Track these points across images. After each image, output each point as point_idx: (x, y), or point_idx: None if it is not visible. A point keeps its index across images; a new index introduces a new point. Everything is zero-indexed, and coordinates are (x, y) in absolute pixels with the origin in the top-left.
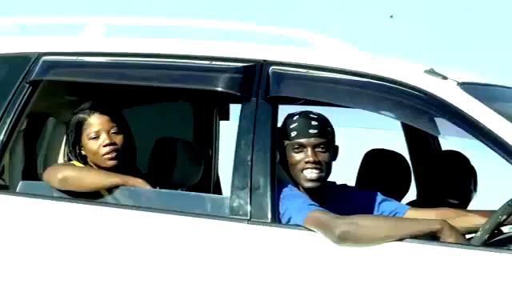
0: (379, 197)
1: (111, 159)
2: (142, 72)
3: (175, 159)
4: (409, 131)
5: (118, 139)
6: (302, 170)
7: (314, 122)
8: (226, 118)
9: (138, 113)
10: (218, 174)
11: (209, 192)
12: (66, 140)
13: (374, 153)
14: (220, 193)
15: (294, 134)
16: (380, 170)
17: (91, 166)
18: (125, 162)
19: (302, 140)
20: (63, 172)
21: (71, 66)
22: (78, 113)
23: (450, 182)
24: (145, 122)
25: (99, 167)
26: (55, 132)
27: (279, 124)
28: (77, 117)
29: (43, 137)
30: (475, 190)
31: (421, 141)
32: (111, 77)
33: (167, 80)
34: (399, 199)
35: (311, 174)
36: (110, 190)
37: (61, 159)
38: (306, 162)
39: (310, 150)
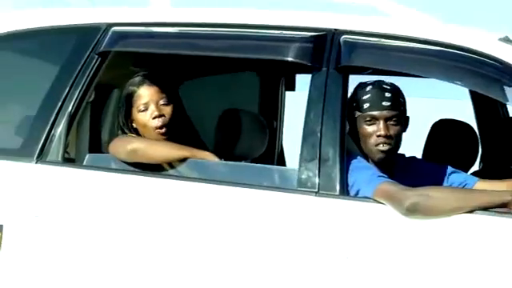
0: (448, 169)
1: (160, 129)
2: (212, 42)
3: (240, 131)
4: (477, 100)
5: (167, 110)
6: (373, 143)
7: (387, 94)
8: (292, 88)
9: (203, 84)
10: (282, 145)
11: (272, 164)
12: (118, 113)
13: (443, 123)
14: (284, 165)
15: (366, 105)
16: (448, 140)
17: None
18: (176, 133)
19: (375, 112)
20: (132, 144)
21: (141, 36)
22: (128, 86)
23: None
24: (210, 94)
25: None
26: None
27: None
28: (127, 89)
29: (108, 109)
30: None
31: (489, 109)
32: (180, 47)
33: (237, 50)
34: (466, 170)
35: (382, 147)
36: (177, 162)
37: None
38: (378, 136)
39: (382, 122)
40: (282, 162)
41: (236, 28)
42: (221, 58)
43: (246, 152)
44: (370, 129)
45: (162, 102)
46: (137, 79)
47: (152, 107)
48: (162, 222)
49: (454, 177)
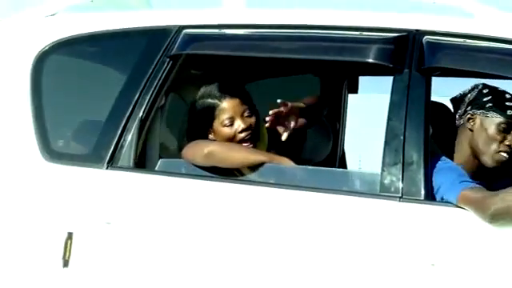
0: None
1: (248, 142)
2: (288, 44)
3: (305, 134)
4: None
5: (252, 121)
6: (496, 149)
7: None
8: (355, 91)
9: (263, 87)
10: (344, 148)
11: (334, 167)
12: (191, 125)
13: None
14: (345, 168)
15: (510, 112)
16: None
17: None
18: (257, 141)
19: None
20: (209, 147)
21: (213, 38)
22: (206, 97)
23: None
24: (271, 96)
25: None
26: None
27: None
28: (206, 102)
29: (176, 114)
30: None
31: None
32: (255, 50)
33: (314, 52)
34: None
35: (505, 155)
36: (254, 167)
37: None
38: (508, 145)
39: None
40: (343, 165)
41: (313, 29)
42: (284, 60)
43: (311, 155)
44: (500, 135)
45: (246, 113)
46: (215, 91)
47: (238, 121)
48: (238, 228)
49: None
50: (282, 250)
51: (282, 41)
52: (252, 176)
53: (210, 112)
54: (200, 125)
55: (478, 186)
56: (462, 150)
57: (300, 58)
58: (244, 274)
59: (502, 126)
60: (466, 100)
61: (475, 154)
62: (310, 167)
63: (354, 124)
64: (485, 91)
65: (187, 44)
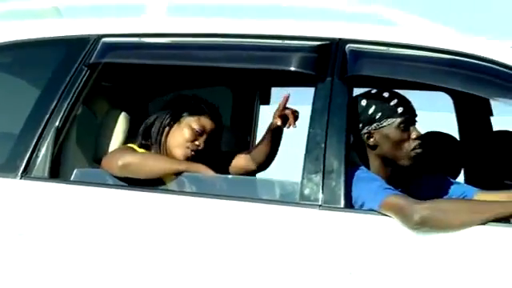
0: (447, 180)
1: (188, 156)
2: (208, 53)
3: (218, 145)
4: (461, 112)
5: (205, 148)
6: (409, 148)
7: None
8: (267, 102)
9: None
10: None
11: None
12: (161, 114)
13: (429, 136)
14: None
15: (400, 110)
16: (434, 153)
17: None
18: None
19: (411, 116)
20: (125, 158)
21: (132, 47)
22: (194, 99)
23: (503, 163)
24: None
25: (168, 147)
26: (108, 118)
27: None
28: (192, 102)
29: (94, 123)
30: None
31: (473, 122)
32: (174, 58)
33: (237, 60)
34: None
35: (418, 150)
36: (172, 176)
37: (113, 147)
38: (415, 139)
39: (415, 127)
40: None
41: (235, 38)
42: (198, 71)
43: (224, 167)
44: (404, 134)
45: (209, 138)
46: (204, 102)
47: (201, 139)
48: (156, 237)
49: (454, 188)
50: (203, 259)
51: (203, 50)
52: (171, 185)
53: (193, 110)
54: (168, 117)
55: (400, 193)
56: (373, 163)
57: (221, 67)
58: (162, 284)
59: (401, 125)
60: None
61: (388, 163)
62: (230, 176)
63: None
64: (363, 103)
65: (105, 53)
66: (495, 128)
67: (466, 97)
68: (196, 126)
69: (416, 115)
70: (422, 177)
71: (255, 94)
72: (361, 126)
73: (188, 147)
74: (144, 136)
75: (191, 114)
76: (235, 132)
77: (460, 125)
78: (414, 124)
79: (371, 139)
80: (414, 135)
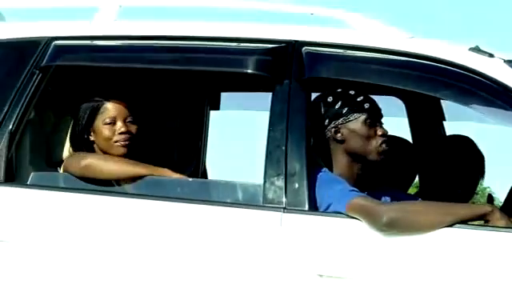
0: (406, 195)
1: (123, 146)
2: (159, 56)
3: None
4: (414, 117)
5: (133, 128)
6: (377, 144)
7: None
8: (217, 107)
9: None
10: (205, 165)
11: None
12: (74, 124)
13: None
14: None
15: (367, 105)
16: (391, 157)
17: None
18: (132, 152)
19: (376, 113)
20: (86, 159)
21: (84, 50)
22: (92, 97)
23: (455, 169)
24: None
25: (106, 154)
26: (60, 122)
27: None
28: (92, 100)
29: (53, 125)
30: (483, 177)
31: (425, 127)
32: (127, 61)
33: (192, 63)
34: (406, 189)
35: (386, 146)
36: (133, 179)
37: (66, 150)
38: (381, 135)
39: (381, 125)
40: None
41: (189, 40)
42: (147, 74)
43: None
44: (371, 131)
45: (128, 119)
46: (103, 92)
47: (119, 123)
48: (116, 242)
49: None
50: (162, 263)
51: (153, 52)
52: (132, 188)
53: (94, 110)
54: (83, 123)
55: (366, 195)
56: (339, 161)
57: (177, 69)
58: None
59: (368, 121)
60: (322, 114)
61: (355, 160)
62: (192, 179)
63: (216, 140)
64: (330, 99)
65: (57, 55)
66: (448, 133)
67: (418, 101)
68: (106, 120)
69: (381, 114)
70: (383, 187)
71: (205, 99)
72: (327, 121)
73: (116, 141)
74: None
75: (94, 114)
76: (186, 137)
77: (412, 129)
78: (380, 122)
79: (338, 134)
80: (380, 132)
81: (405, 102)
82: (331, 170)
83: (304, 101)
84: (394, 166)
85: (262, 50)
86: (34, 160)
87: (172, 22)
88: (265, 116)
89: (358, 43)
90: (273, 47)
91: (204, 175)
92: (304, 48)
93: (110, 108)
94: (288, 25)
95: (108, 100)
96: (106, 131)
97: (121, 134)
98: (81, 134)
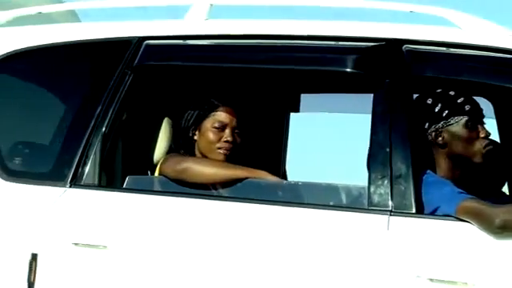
0: (503, 196)
1: (224, 155)
2: (249, 54)
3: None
4: (502, 118)
5: (238, 140)
6: (481, 146)
7: None
8: (297, 109)
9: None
10: (285, 167)
11: None
12: (181, 120)
13: None
14: None
15: (467, 107)
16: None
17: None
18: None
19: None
20: (184, 162)
21: (175, 49)
22: (209, 97)
23: None
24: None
25: (204, 156)
26: (154, 123)
27: None
28: (205, 101)
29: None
30: None
31: None
32: (221, 61)
33: (292, 62)
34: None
35: (489, 148)
36: (232, 182)
37: (160, 152)
38: (484, 138)
39: (483, 126)
40: None
41: (285, 40)
42: (239, 75)
43: None
44: (473, 133)
45: (237, 130)
46: (221, 95)
47: (228, 131)
48: (213, 245)
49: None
50: (266, 267)
51: (252, 51)
52: (231, 191)
53: (206, 111)
54: (189, 120)
55: (476, 198)
56: (442, 165)
57: (276, 68)
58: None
59: (469, 123)
60: (422, 117)
61: (458, 163)
62: (292, 181)
63: (297, 142)
64: (429, 101)
65: (150, 55)
66: None
67: (506, 102)
68: (216, 124)
69: (483, 115)
70: (483, 190)
71: (286, 101)
72: (427, 124)
73: (219, 148)
74: (177, 147)
75: (205, 114)
76: (266, 140)
77: (501, 131)
78: (482, 123)
79: (439, 138)
80: (482, 134)
81: (493, 103)
82: (434, 171)
83: (406, 100)
84: (485, 168)
85: (362, 48)
86: (126, 163)
87: (265, 20)
88: (345, 117)
89: (461, 41)
90: (373, 45)
91: (284, 177)
92: (404, 46)
93: (223, 114)
94: (390, 23)
95: (223, 105)
96: (212, 135)
97: (226, 142)
98: (186, 130)
